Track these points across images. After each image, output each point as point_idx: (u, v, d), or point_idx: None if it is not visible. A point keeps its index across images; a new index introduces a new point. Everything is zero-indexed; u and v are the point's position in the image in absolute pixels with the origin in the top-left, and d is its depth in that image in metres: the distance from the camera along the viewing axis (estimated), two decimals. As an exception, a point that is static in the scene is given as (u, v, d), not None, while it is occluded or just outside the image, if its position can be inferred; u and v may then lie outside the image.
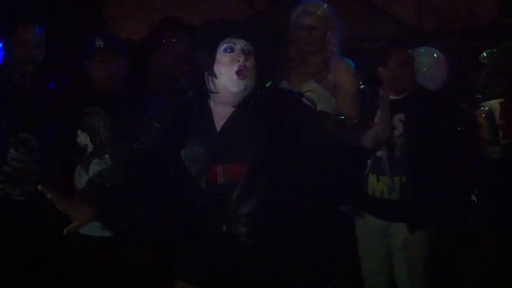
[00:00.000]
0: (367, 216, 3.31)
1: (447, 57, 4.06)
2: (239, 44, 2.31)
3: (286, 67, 3.38)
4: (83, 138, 3.19)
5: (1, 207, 3.14)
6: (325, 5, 3.31)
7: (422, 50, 3.83)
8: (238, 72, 2.29)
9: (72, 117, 3.20)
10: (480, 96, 3.12)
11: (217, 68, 2.32)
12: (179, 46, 3.54)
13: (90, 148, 3.19)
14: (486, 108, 3.01)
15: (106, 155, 3.18)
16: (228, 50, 2.31)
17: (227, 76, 2.30)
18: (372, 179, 3.25)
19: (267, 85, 2.45)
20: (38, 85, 3.26)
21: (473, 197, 3.14)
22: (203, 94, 2.37)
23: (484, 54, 3.30)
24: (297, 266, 2.44)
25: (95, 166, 3.17)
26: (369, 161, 3.25)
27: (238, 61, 2.29)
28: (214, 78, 2.33)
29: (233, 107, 2.36)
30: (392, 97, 3.17)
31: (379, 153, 3.19)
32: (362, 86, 3.40)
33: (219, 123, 2.37)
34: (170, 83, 2.84)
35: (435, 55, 3.94)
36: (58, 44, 4.12)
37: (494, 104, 3.03)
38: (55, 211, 3.23)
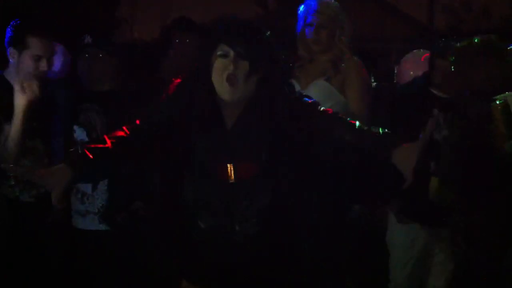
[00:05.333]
0: (410, 223, 3.17)
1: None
2: (233, 51, 2.26)
3: (295, 66, 3.40)
4: (80, 133, 3.27)
5: (10, 208, 3.18)
6: (334, 3, 3.30)
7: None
8: (228, 79, 2.25)
9: (69, 114, 3.28)
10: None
11: (212, 73, 2.29)
12: (192, 46, 3.56)
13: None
14: (502, 101, 2.97)
15: None
16: (222, 56, 2.27)
17: (219, 83, 2.28)
18: (435, 182, 3.06)
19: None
20: (44, 93, 3.21)
21: None
22: (210, 91, 2.32)
23: None
24: (306, 267, 2.41)
25: None
26: (432, 163, 3.08)
27: (229, 69, 2.25)
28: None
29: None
30: (445, 96, 3.18)
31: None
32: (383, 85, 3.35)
33: (229, 120, 2.34)
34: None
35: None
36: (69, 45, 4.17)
37: (509, 97, 2.99)
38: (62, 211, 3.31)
